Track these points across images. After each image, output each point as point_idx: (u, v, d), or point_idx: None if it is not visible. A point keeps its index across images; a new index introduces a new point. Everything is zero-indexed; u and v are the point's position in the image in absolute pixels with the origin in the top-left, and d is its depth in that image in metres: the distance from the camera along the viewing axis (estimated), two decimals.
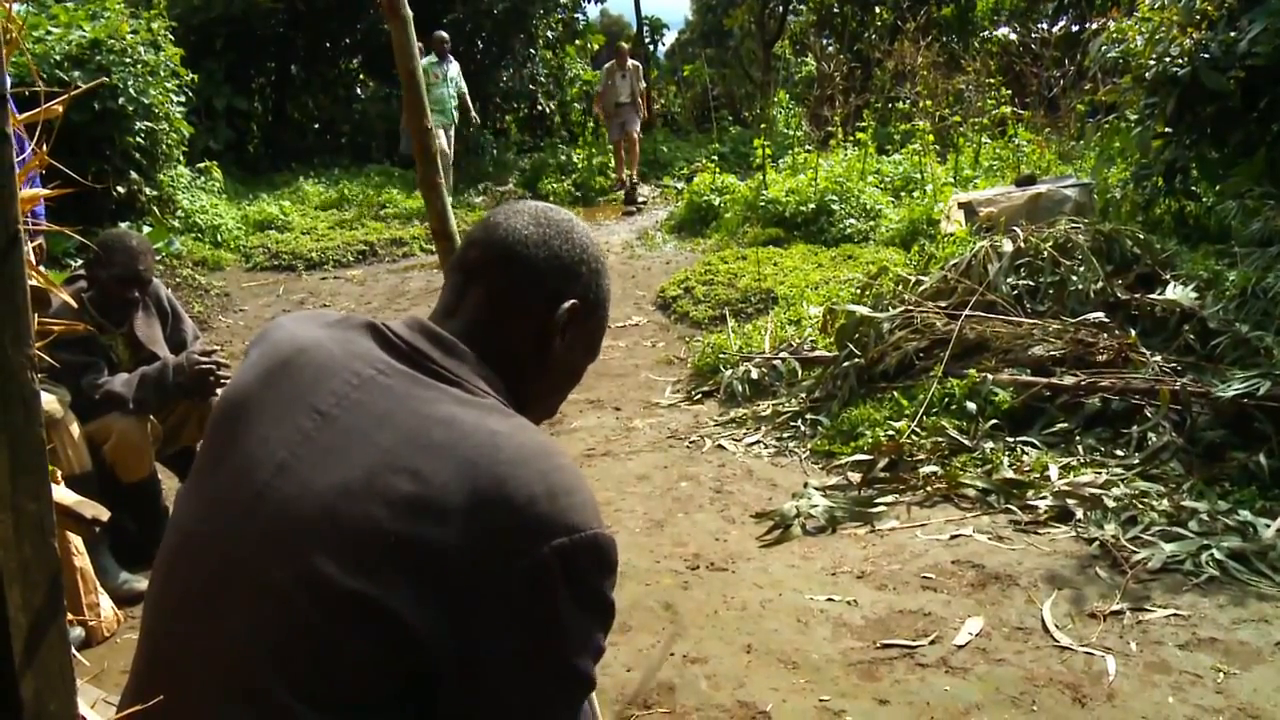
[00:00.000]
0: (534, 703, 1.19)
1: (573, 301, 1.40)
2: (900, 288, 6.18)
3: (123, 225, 8.23)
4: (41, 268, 1.37)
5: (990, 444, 4.63)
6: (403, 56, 1.88)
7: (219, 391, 4.06)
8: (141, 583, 3.71)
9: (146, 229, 9.22)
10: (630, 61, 15.10)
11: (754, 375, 5.99)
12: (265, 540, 1.18)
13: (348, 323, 1.38)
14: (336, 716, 1.12)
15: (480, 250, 1.40)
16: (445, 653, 1.13)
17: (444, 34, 13.34)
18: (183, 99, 10.65)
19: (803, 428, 5.31)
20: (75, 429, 3.60)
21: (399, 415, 1.22)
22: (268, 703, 1.11)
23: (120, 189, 9.29)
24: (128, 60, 9.51)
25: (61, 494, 1.54)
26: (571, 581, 1.17)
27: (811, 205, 10.69)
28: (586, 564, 1.19)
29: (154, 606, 1.31)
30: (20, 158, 0.94)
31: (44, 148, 1.04)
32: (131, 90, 9.37)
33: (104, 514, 1.70)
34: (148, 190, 9.83)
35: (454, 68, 13.39)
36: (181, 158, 10.83)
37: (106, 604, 3.50)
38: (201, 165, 11.99)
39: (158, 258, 8.99)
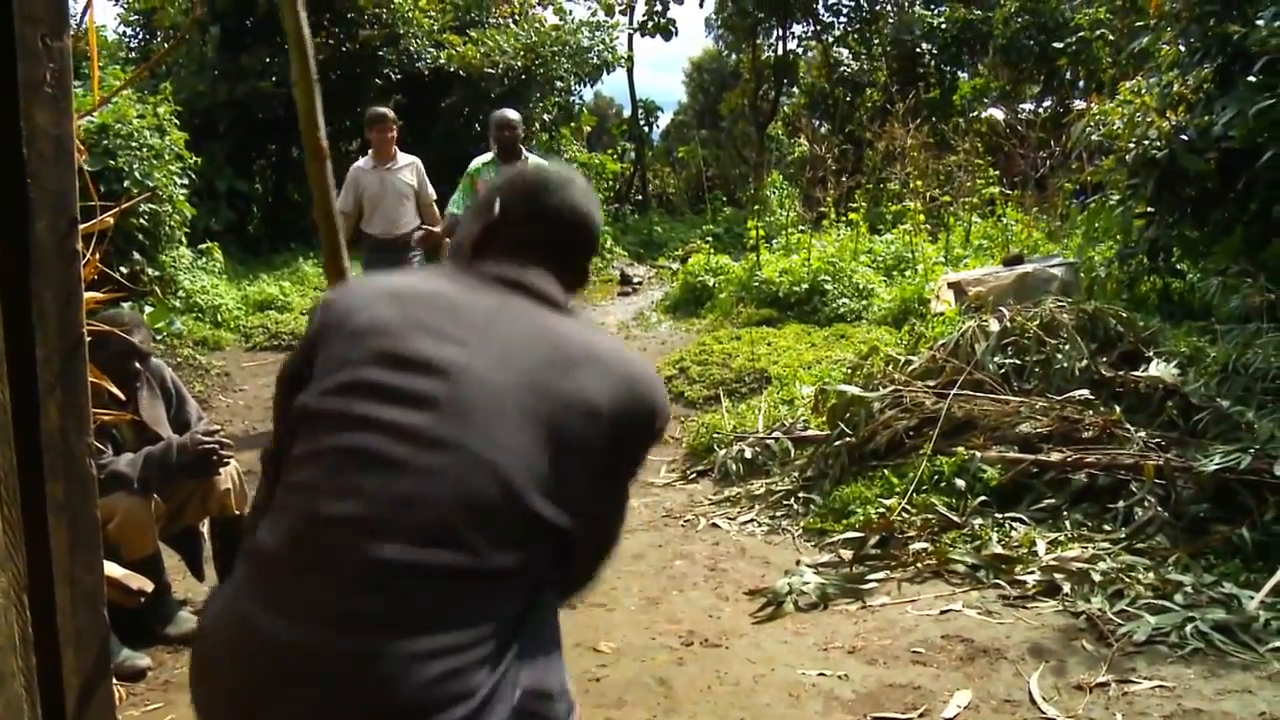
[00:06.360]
0: (620, 517, 1.73)
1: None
2: (890, 367, 6.29)
3: (124, 306, 8.35)
4: None
5: (979, 520, 4.71)
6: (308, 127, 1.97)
7: (222, 471, 4.15)
8: (143, 659, 3.76)
9: (148, 309, 9.35)
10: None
11: (748, 454, 6.07)
12: (460, 426, 1.45)
13: (441, 272, 1.73)
14: (510, 554, 1.44)
15: (552, 223, 1.76)
16: (582, 513, 1.54)
17: (509, 114, 7.45)
18: (185, 181, 10.85)
19: (795, 506, 5.38)
20: None
21: (539, 332, 1.58)
22: (466, 545, 1.40)
23: (123, 269, 9.43)
24: (134, 144, 9.73)
25: (110, 567, 1.62)
26: (658, 443, 1.72)
27: (805, 285, 10.84)
28: (665, 432, 1.74)
29: (325, 469, 1.45)
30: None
31: (96, 255, 1.15)
32: (136, 173, 9.57)
33: (149, 585, 1.81)
34: (150, 271, 9.97)
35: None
36: (183, 238, 10.99)
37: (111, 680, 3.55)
38: (203, 246, 12.16)
39: (159, 337, 9.11)
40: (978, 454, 5.03)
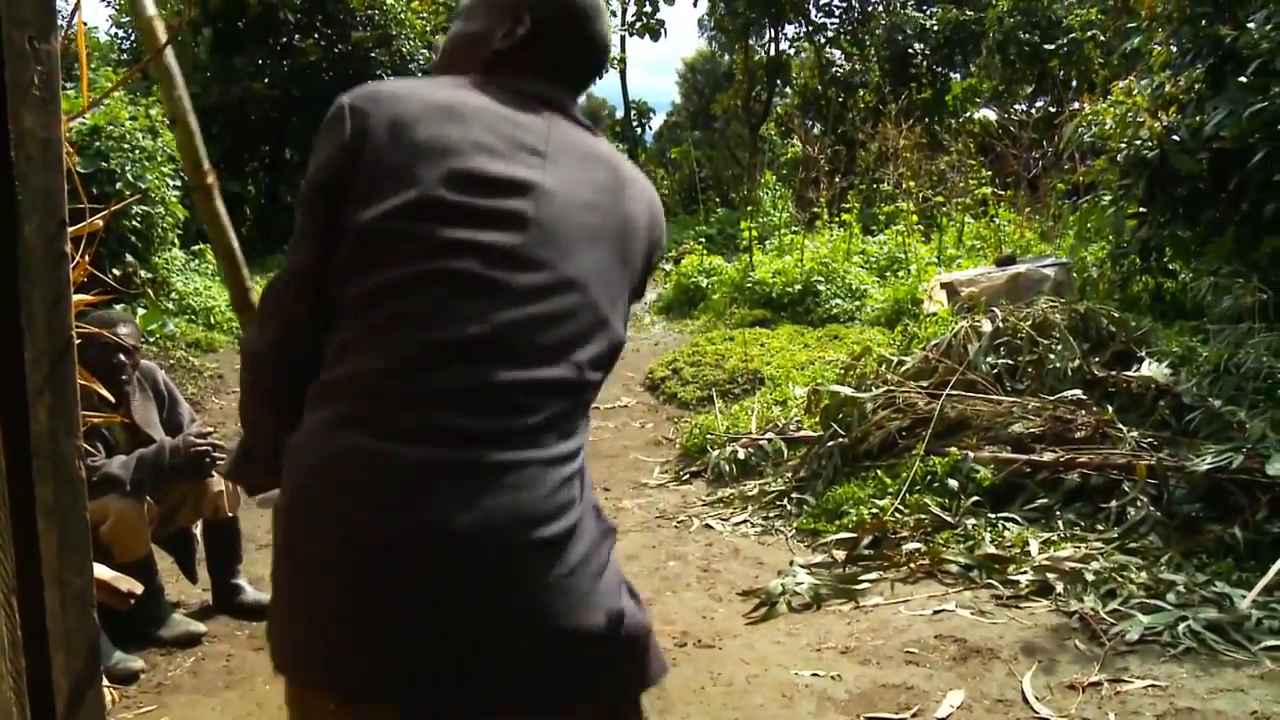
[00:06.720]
0: None
1: None
2: (883, 368, 6.30)
3: (117, 308, 8.33)
4: None
5: (972, 520, 4.71)
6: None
7: (215, 473, 4.15)
8: (136, 662, 3.76)
9: (141, 311, 9.34)
10: None
11: (741, 455, 6.08)
12: (548, 247, 1.47)
13: (466, 83, 1.61)
14: (597, 370, 1.52)
15: (585, 49, 1.73)
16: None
17: None
18: (178, 183, 10.83)
19: (788, 506, 5.39)
20: None
21: (590, 154, 1.60)
22: (571, 362, 1.46)
23: (116, 271, 9.42)
24: (126, 146, 9.72)
25: (99, 569, 1.63)
26: None
27: (798, 286, 10.86)
28: None
29: (423, 293, 1.42)
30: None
31: (85, 258, 1.15)
32: (129, 175, 9.55)
33: (139, 588, 1.80)
34: (143, 273, 9.96)
35: None
36: (176, 240, 10.98)
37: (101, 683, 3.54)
38: (195, 248, 12.14)
39: (151, 340, 9.10)
40: (970, 454, 5.05)
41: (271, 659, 1.42)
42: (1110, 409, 5.17)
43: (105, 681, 3.52)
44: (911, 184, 13.91)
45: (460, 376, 1.38)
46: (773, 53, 26.27)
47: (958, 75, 22.69)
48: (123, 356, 3.99)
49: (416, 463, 1.35)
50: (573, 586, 1.40)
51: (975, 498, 4.85)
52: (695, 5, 25.76)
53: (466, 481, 1.36)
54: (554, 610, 1.39)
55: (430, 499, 1.34)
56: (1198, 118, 7.02)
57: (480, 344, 1.40)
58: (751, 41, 26.30)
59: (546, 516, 1.39)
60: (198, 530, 4.41)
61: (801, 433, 6.14)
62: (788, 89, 27.70)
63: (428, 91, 1.54)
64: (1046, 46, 18.07)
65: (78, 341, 1.23)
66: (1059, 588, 4.10)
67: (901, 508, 4.89)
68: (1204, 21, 7.11)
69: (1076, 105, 10.95)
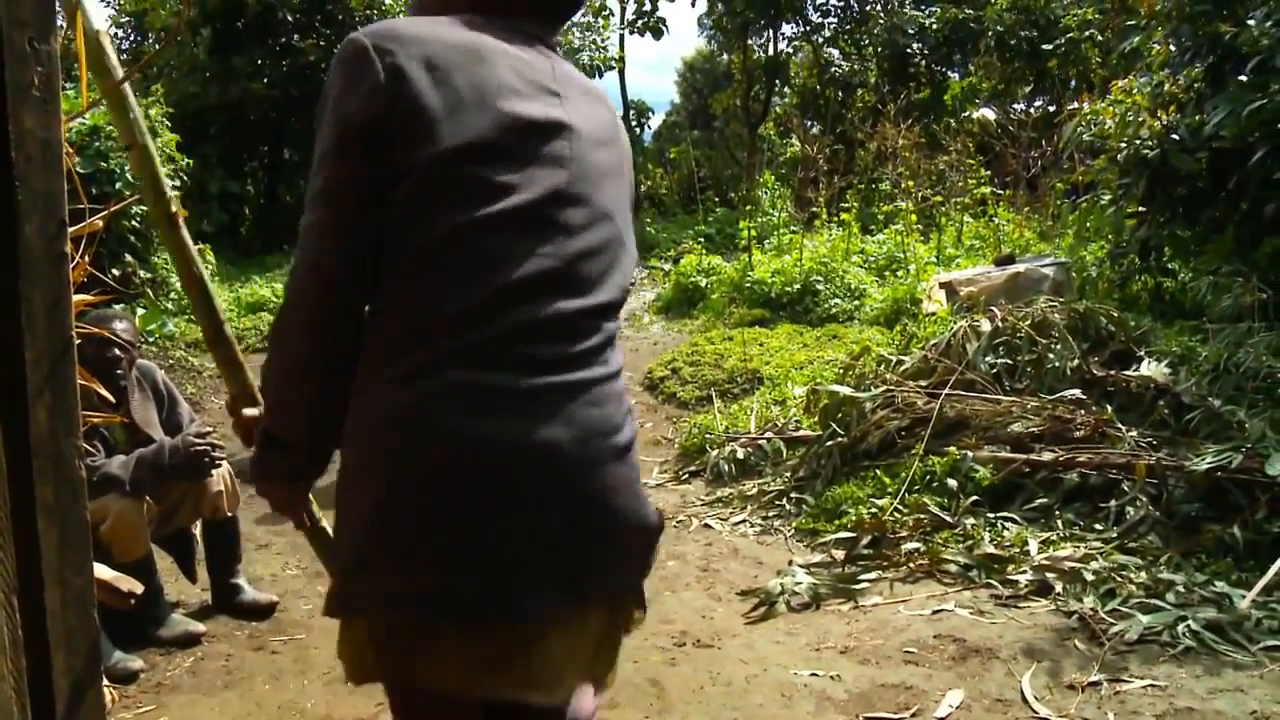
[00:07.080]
0: None
1: None
2: (882, 368, 6.30)
3: (116, 308, 8.31)
4: None
5: (971, 520, 4.72)
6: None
7: (214, 473, 4.15)
8: (135, 661, 3.75)
9: (140, 311, 9.33)
10: None
11: (740, 455, 6.08)
12: (585, 183, 1.58)
13: (468, 23, 1.62)
14: (626, 292, 1.67)
15: None
16: None
17: None
18: (177, 183, 10.83)
19: (788, 506, 5.39)
20: None
21: (590, 90, 1.71)
22: (618, 287, 1.63)
23: (115, 271, 9.41)
24: (126, 146, 9.70)
25: (99, 569, 1.63)
26: None
27: (797, 286, 10.84)
28: None
29: (504, 225, 1.50)
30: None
31: (85, 258, 1.15)
32: (129, 175, 9.53)
33: (139, 587, 1.81)
34: (142, 273, 9.95)
35: None
36: None
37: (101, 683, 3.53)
38: (196, 248, 12.11)
39: (151, 340, 9.09)
40: (970, 454, 5.04)
41: (385, 609, 1.49)
42: (1109, 408, 5.17)
43: (105, 681, 3.52)
44: (910, 183, 13.88)
45: (535, 310, 1.48)
46: (771, 52, 26.25)
47: (956, 75, 22.65)
48: (118, 352, 3.99)
49: (510, 389, 1.45)
50: (639, 488, 1.61)
51: (974, 497, 4.85)
52: (694, 4, 25.68)
53: (551, 399, 1.47)
54: (631, 508, 1.57)
55: (525, 418, 1.45)
56: (1197, 117, 7.03)
57: (550, 279, 1.50)
58: (750, 41, 26.28)
59: (618, 426, 1.57)
60: (197, 530, 4.41)
61: (800, 432, 6.14)
62: (786, 89, 27.70)
63: (441, 31, 1.53)
64: (1045, 46, 18.07)
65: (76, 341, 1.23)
66: (1058, 587, 4.10)
67: (901, 507, 4.89)
68: (1203, 20, 7.11)
69: (1075, 105, 10.93)
